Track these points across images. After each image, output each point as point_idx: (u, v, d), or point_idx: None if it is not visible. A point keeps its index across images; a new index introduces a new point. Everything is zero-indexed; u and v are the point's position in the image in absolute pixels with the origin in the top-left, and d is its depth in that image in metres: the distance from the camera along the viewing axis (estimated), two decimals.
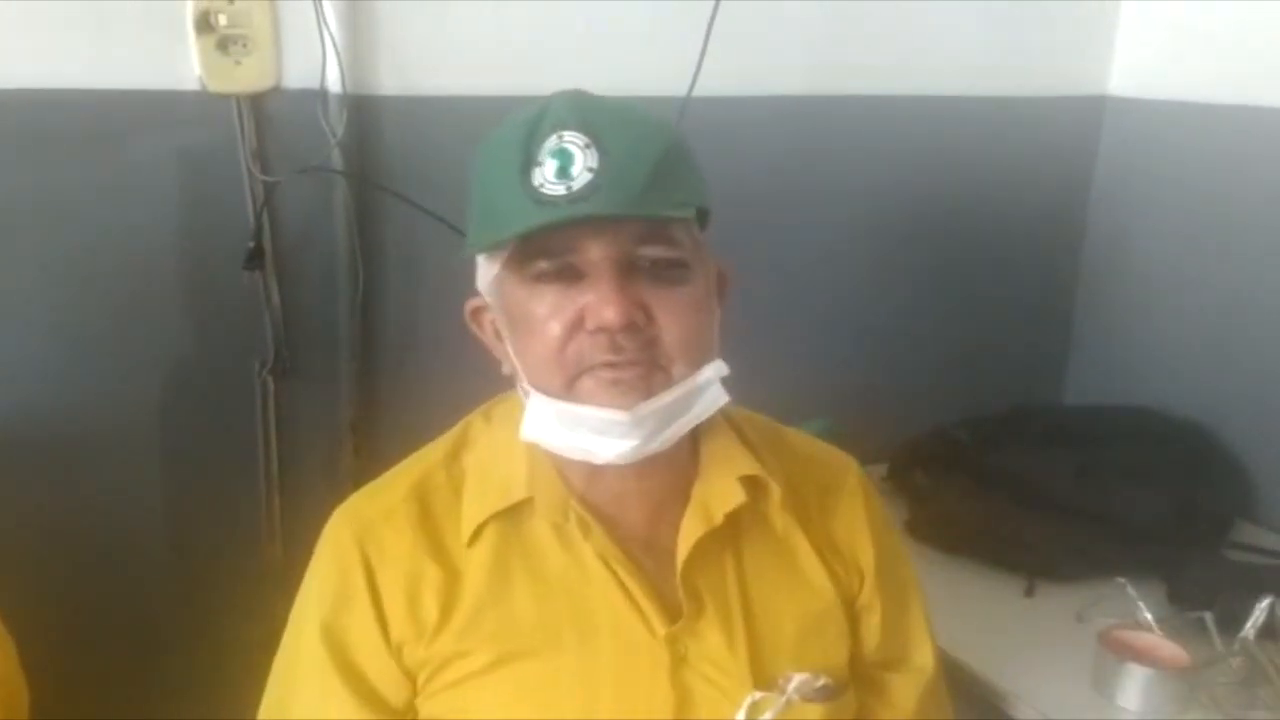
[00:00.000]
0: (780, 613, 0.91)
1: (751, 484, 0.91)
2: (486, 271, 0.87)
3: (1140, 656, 1.18)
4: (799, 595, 0.93)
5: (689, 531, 0.89)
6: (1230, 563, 1.45)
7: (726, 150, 1.54)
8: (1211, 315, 1.69)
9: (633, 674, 0.87)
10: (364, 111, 1.32)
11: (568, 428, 0.84)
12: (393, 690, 0.88)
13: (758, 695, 0.86)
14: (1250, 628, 1.18)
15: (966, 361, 1.83)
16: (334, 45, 1.28)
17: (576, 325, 0.81)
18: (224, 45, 1.25)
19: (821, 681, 0.89)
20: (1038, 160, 1.79)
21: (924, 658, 1.01)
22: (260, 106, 1.29)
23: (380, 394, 1.40)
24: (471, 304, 0.91)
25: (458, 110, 1.32)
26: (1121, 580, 1.31)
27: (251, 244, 1.30)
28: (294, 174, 1.30)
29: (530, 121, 0.83)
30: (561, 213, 0.78)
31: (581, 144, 0.80)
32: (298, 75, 1.30)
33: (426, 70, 1.35)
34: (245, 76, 1.27)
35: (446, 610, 0.87)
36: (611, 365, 0.81)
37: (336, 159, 1.31)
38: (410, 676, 0.88)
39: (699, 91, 1.42)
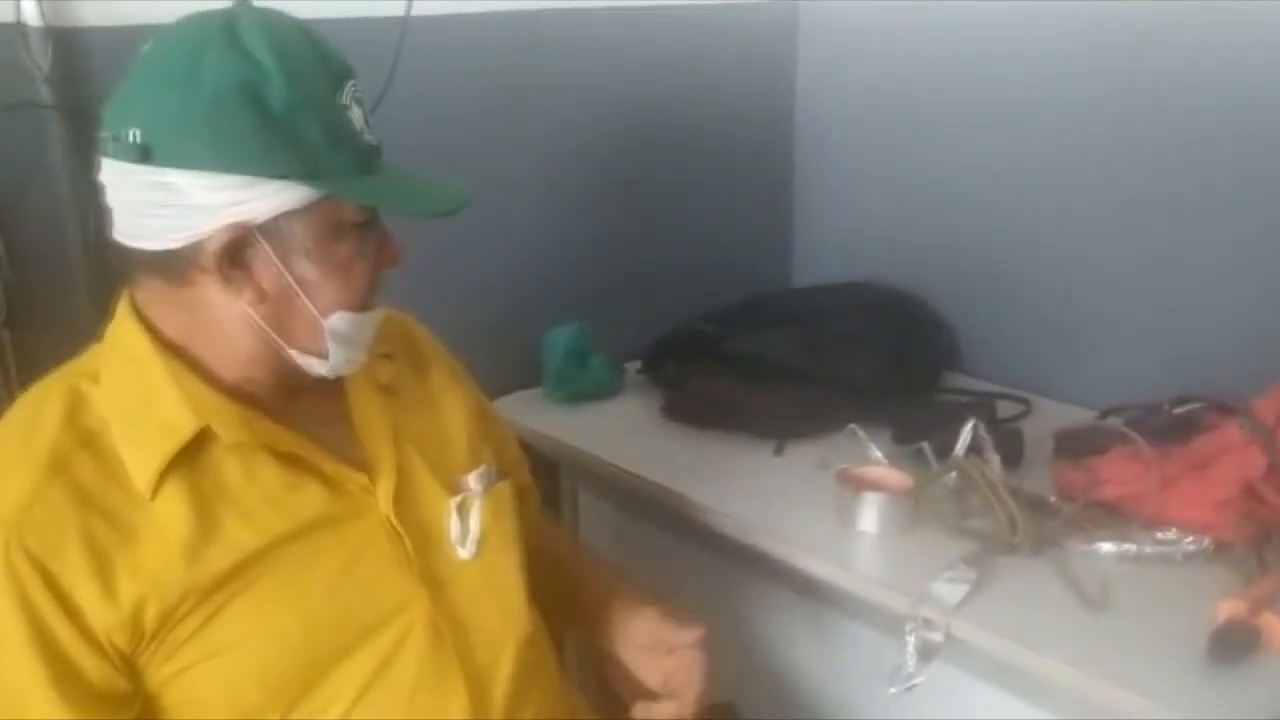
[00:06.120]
0: (441, 442, 1.06)
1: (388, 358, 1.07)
2: (264, 203, 0.85)
3: (873, 486, 1.34)
4: (448, 426, 1.08)
5: (367, 397, 1.02)
6: (941, 403, 1.65)
7: (448, 69, 1.58)
8: (913, 194, 1.87)
9: (363, 541, 0.96)
10: (70, 44, 1.26)
11: (354, 340, 0.95)
12: (115, 682, 0.87)
13: (455, 500, 1.02)
14: (960, 448, 1.36)
15: (700, 257, 1.95)
16: None
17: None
18: None
19: (493, 467, 1.08)
20: (744, 61, 1.91)
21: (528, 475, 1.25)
22: None
23: None
24: (229, 239, 0.85)
25: None
26: (854, 427, 1.47)
27: None
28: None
29: (317, 50, 0.88)
30: (447, 196, 0.94)
31: (360, 94, 0.92)
32: None
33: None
34: None
35: (151, 571, 0.86)
36: None
37: (46, 95, 1.25)
38: (129, 656, 0.87)
39: (417, 11, 1.44)
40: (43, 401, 0.92)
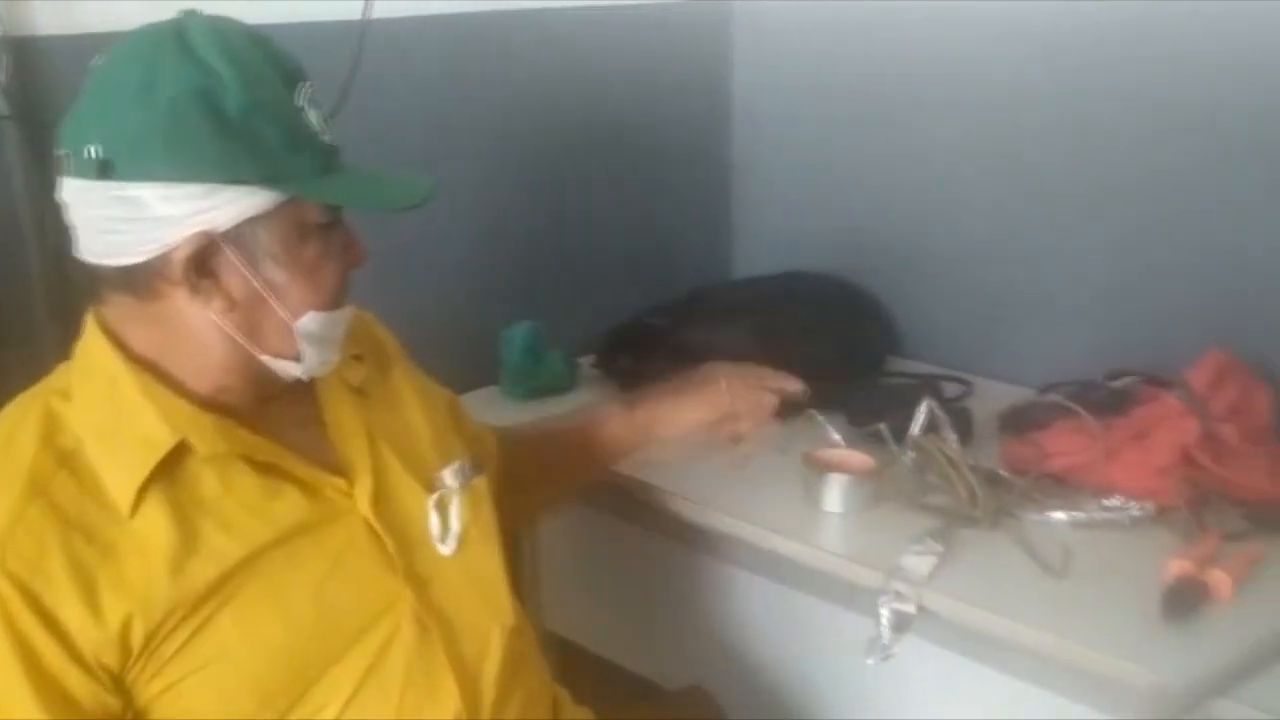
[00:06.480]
0: (413, 441, 1.07)
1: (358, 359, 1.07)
2: (227, 210, 0.86)
3: (836, 468, 1.39)
4: (412, 424, 1.09)
5: (339, 399, 1.03)
6: (889, 386, 1.71)
7: (403, 72, 1.59)
8: (846, 186, 1.92)
9: (344, 544, 0.97)
10: (26, 53, 1.25)
11: (326, 339, 0.95)
12: (103, 701, 0.87)
13: (434, 497, 1.03)
14: (916, 428, 1.42)
15: (646, 254, 1.99)
16: None
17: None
18: None
19: (467, 462, 1.09)
20: (681, 60, 1.95)
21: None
22: None
23: None
24: (195, 249, 0.86)
25: None
26: (811, 412, 1.51)
27: None
28: None
29: (269, 53, 0.89)
30: (409, 190, 0.95)
31: (315, 95, 0.92)
32: None
33: (82, 7, 1.29)
34: None
35: (135, 588, 0.86)
36: None
37: (2, 105, 1.23)
38: (117, 675, 0.87)
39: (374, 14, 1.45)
40: (17, 422, 0.91)
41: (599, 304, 1.88)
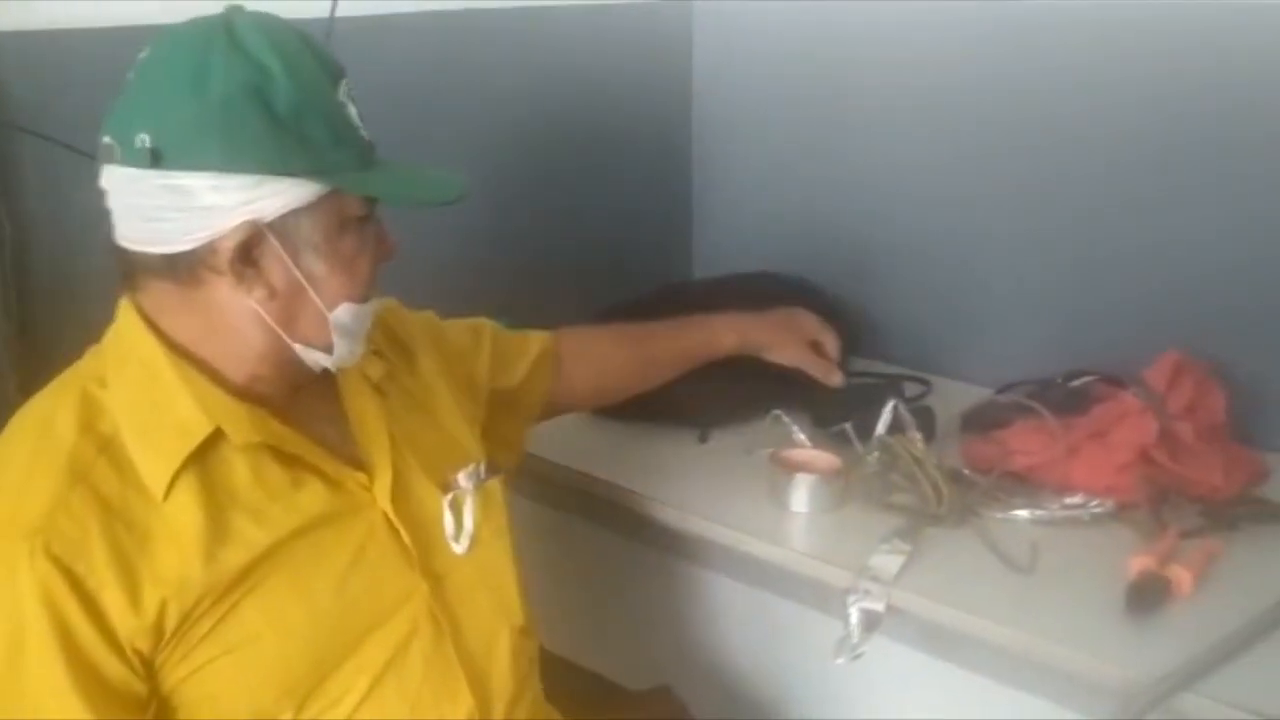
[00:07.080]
0: (432, 440, 1.09)
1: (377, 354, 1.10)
2: (274, 201, 0.88)
3: (803, 468, 1.40)
4: (444, 421, 1.12)
5: (360, 393, 1.05)
6: (853, 386, 1.72)
7: (371, 70, 1.56)
8: (806, 186, 1.94)
9: (365, 536, 0.99)
10: None
11: (357, 331, 0.98)
12: (133, 685, 0.88)
13: (448, 497, 1.06)
14: (882, 427, 1.43)
15: (609, 253, 1.98)
16: None
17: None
18: None
19: (482, 464, 1.10)
20: (642, 59, 1.95)
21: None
22: None
23: (41, 347, 1.31)
24: (241, 239, 0.88)
25: (88, 42, 1.26)
26: (777, 412, 1.53)
27: None
28: None
29: (314, 50, 0.92)
30: (446, 185, 1.02)
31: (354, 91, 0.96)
32: None
33: (38, 4, 1.26)
34: None
35: (170, 574, 0.88)
36: None
37: None
38: (148, 659, 0.88)
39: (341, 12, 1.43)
40: (54, 407, 0.92)
41: (563, 302, 1.86)
